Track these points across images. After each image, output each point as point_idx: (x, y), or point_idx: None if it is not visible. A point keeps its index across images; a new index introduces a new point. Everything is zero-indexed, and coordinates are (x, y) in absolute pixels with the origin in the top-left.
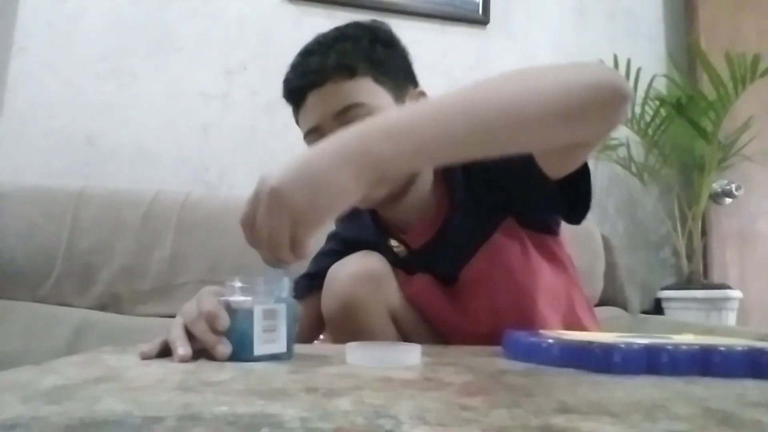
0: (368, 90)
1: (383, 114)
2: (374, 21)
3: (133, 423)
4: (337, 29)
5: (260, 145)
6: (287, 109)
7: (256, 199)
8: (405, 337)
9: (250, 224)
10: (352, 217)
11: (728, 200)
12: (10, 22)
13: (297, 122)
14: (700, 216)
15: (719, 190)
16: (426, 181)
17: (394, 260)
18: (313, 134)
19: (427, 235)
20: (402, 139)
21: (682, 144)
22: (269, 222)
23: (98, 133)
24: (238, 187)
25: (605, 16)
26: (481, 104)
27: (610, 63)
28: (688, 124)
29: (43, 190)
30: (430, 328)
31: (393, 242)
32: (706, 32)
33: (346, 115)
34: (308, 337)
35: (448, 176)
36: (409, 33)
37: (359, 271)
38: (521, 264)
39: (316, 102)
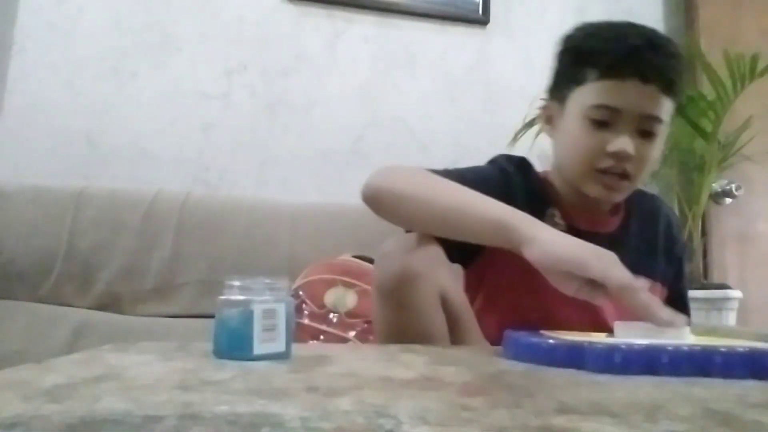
0: (669, 112)
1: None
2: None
3: (133, 422)
4: (670, 41)
5: (260, 145)
6: (287, 109)
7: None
8: (452, 320)
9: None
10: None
11: (728, 200)
12: (10, 22)
13: (570, 76)
14: (700, 216)
15: (719, 190)
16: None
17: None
18: (605, 111)
19: (600, 227)
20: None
21: (682, 144)
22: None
23: (98, 133)
24: (238, 187)
25: (605, 16)
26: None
27: None
28: (688, 124)
29: (43, 190)
30: (470, 322)
31: (554, 212)
32: (705, 32)
33: (648, 122)
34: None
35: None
36: (409, 33)
37: (416, 247)
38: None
39: (639, 93)
